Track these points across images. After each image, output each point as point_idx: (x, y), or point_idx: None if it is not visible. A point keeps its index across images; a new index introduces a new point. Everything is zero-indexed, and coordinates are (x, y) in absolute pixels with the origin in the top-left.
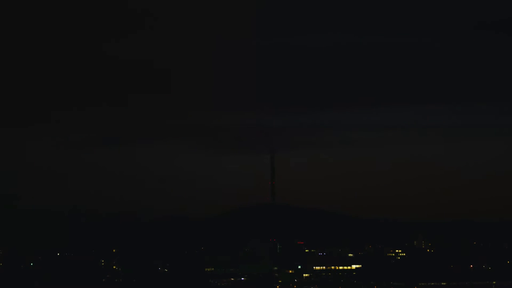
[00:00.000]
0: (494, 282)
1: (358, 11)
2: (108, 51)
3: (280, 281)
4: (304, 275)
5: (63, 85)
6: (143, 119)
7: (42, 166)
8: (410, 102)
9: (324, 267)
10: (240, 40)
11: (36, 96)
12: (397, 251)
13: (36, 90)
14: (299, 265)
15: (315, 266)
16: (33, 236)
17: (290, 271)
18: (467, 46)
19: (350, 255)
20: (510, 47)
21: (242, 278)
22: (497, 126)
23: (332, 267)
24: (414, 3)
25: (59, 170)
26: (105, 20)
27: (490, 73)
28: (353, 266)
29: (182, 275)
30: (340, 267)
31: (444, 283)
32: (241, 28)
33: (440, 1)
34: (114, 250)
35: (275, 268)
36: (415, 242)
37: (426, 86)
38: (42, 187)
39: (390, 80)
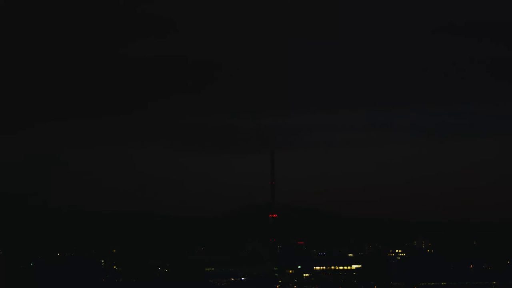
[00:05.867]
0: (494, 282)
1: (350, 13)
2: (125, 52)
3: (280, 281)
4: (304, 275)
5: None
6: (145, 121)
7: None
8: (411, 103)
9: (324, 267)
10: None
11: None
12: (397, 251)
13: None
14: (299, 265)
15: (315, 266)
16: (36, 236)
17: (290, 271)
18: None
19: (350, 255)
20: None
21: (242, 278)
22: (493, 128)
23: (332, 267)
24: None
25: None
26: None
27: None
28: (353, 266)
29: (182, 275)
30: (340, 267)
31: (444, 283)
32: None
33: (400, 4)
34: (114, 250)
35: (275, 268)
36: (415, 242)
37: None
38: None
39: (379, 82)
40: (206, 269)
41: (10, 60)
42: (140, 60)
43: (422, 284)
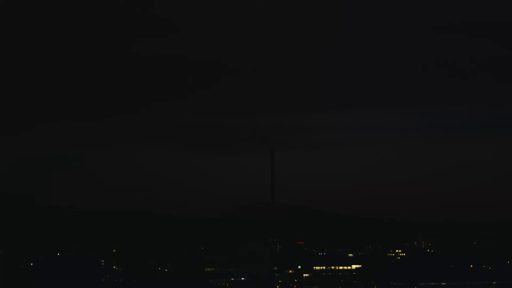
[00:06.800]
0: (494, 282)
1: (350, 14)
2: (125, 52)
3: (280, 281)
4: (304, 275)
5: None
6: (145, 121)
7: None
8: (410, 103)
9: (324, 267)
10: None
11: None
12: (397, 251)
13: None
14: (299, 265)
15: (315, 266)
16: (36, 236)
17: (290, 271)
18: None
19: (350, 255)
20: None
21: (242, 278)
22: (491, 127)
23: (332, 267)
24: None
25: None
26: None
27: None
28: (353, 266)
29: (182, 275)
30: (340, 267)
31: (444, 283)
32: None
33: (400, 4)
34: (114, 250)
35: (275, 268)
36: (415, 242)
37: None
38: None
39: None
40: (206, 269)
41: (9, 61)
42: (140, 60)
43: (422, 284)
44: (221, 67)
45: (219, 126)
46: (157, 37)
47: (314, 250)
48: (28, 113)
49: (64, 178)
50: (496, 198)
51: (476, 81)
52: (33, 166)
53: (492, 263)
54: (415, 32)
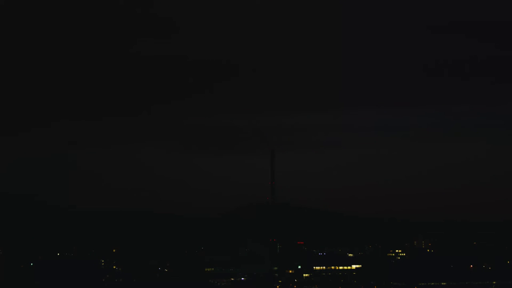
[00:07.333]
0: (494, 282)
1: (350, 14)
2: (125, 52)
3: (280, 281)
4: (304, 275)
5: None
6: (146, 121)
7: None
8: (410, 102)
9: (324, 267)
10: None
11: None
12: (397, 251)
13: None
14: (299, 265)
15: (315, 266)
16: (37, 236)
17: (290, 271)
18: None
19: (350, 255)
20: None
21: (242, 278)
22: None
23: (332, 267)
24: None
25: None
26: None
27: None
28: (353, 266)
29: (182, 275)
30: (340, 267)
31: (444, 283)
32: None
33: (400, 4)
34: (114, 250)
35: (275, 268)
36: (415, 242)
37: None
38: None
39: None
40: (206, 269)
41: (9, 61)
42: (140, 60)
43: (422, 284)
44: (221, 67)
45: (219, 126)
46: (157, 37)
47: (314, 250)
48: (28, 113)
49: (64, 178)
50: (496, 198)
51: (476, 81)
52: (33, 166)
53: (492, 263)
54: (415, 32)
